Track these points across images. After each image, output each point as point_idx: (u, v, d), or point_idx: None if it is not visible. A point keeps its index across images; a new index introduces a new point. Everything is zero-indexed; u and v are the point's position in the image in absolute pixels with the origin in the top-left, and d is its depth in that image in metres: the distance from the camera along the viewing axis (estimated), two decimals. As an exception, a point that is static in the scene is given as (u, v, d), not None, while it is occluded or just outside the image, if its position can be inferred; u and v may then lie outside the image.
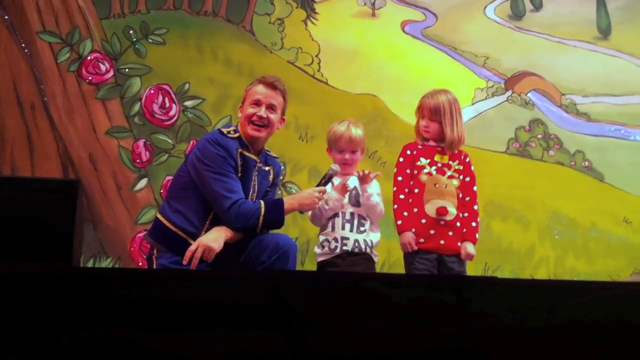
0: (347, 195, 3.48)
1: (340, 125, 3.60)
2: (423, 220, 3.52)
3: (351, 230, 3.47)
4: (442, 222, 3.52)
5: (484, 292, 2.13)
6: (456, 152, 3.66)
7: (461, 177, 3.62)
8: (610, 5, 5.73)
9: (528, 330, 2.02)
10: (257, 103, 3.36)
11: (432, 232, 3.51)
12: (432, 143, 3.66)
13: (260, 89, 3.38)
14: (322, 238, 3.53)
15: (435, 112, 3.60)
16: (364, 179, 3.47)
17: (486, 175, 3.70)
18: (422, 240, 3.51)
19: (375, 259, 3.55)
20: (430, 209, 3.52)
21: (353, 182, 3.51)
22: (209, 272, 3.01)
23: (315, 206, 3.42)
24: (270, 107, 3.38)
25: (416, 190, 3.57)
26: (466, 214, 3.59)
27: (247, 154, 3.35)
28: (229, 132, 3.35)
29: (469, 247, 3.55)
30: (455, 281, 2.67)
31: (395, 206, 3.58)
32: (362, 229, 3.49)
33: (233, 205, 3.19)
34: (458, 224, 3.55)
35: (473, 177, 3.67)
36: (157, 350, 1.87)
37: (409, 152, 3.65)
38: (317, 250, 3.55)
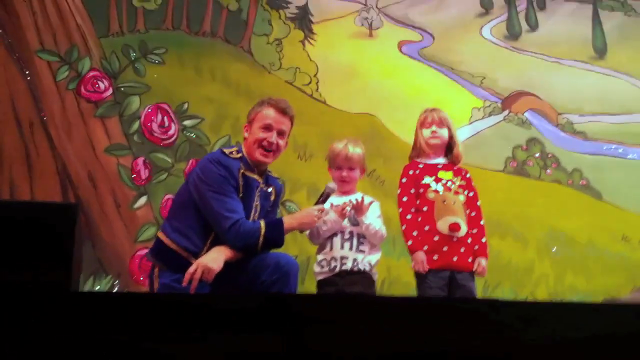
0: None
1: (338, 144, 3.61)
2: (436, 238, 3.50)
3: (350, 249, 3.45)
4: (455, 239, 3.50)
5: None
6: (456, 168, 3.67)
7: (465, 192, 3.62)
8: (606, 25, 5.79)
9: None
10: (268, 128, 3.34)
11: (445, 248, 3.49)
12: (432, 161, 3.66)
13: (272, 113, 3.35)
14: (320, 257, 3.51)
15: (444, 120, 3.67)
16: (358, 210, 3.45)
17: (484, 193, 3.70)
18: (435, 257, 3.48)
19: (375, 278, 3.53)
20: (443, 225, 3.50)
21: (355, 198, 3.50)
22: (210, 296, 2.99)
23: (314, 225, 3.41)
24: (281, 133, 3.37)
25: (425, 209, 3.56)
26: (475, 230, 3.59)
27: (249, 174, 3.33)
28: (231, 153, 3.32)
29: (483, 262, 3.54)
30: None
31: (404, 227, 3.56)
32: (361, 247, 3.47)
33: (233, 225, 3.16)
34: (469, 240, 3.55)
35: (476, 192, 3.68)
36: (156, 352, 1.87)
37: (411, 172, 3.65)
38: (317, 269, 3.53)
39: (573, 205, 5.47)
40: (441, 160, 3.69)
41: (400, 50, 5.66)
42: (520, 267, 5.27)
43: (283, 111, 3.38)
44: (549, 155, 5.54)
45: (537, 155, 5.53)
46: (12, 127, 4.89)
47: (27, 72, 4.97)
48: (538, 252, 5.33)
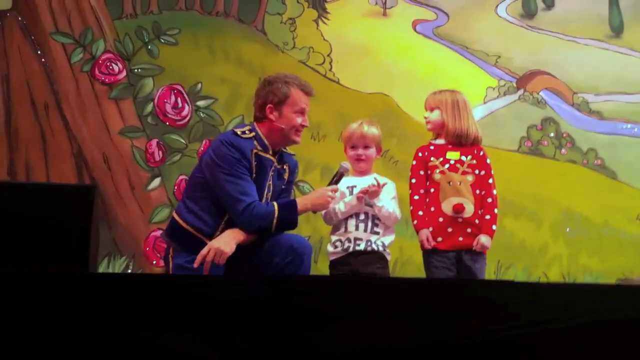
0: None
1: (353, 124, 3.61)
2: (440, 219, 3.50)
3: (365, 231, 3.45)
4: (460, 220, 3.50)
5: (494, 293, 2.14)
6: (468, 147, 3.63)
7: (476, 171, 3.58)
8: (622, 2, 5.71)
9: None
10: (303, 112, 3.38)
11: (449, 230, 3.50)
12: (441, 141, 3.65)
13: (303, 96, 3.37)
14: (334, 238, 3.51)
15: (435, 102, 3.63)
16: (371, 194, 3.43)
17: (498, 173, 3.68)
18: (440, 239, 3.49)
19: (388, 257, 3.54)
20: (447, 207, 3.50)
21: (370, 180, 3.47)
22: (221, 277, 3.01)
23: (328, 205, 3.41)
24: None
25: (432, 190, 3.56)
26: (482, 210, 3.56)
27: (262, 154, 3.32)
28: (243, 133, 3.31)
29: (483, 239, 3.50)
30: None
31: (411, 207, 3.58)
32: (375, 229, 3.47)
33: (246, 208, 3.18)
34: (477, 221, 3.53)
35: (488, 169, 3.62)
36: (158, 347, 1.89)
37: (420, 154, 3.65)
38: (330, 249, 3.53)
39: (588, 185, 5.44)
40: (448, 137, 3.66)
41: (415, 29, 5.62)
42: (534, 248, 5.26)
43: (309, 93, 3.42)
44: (564, 135, 5.51)
45: (552, 135, 5.50)
46: (27, 109, 4.93)
47: (41, 54, 5.00)
48: (552, 233, 5.32)
